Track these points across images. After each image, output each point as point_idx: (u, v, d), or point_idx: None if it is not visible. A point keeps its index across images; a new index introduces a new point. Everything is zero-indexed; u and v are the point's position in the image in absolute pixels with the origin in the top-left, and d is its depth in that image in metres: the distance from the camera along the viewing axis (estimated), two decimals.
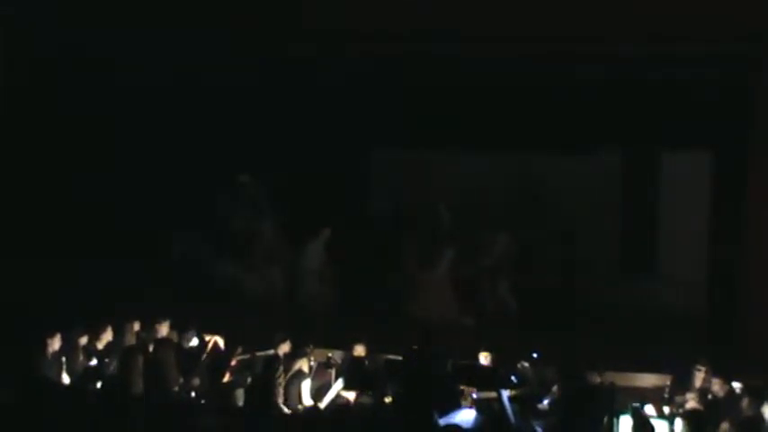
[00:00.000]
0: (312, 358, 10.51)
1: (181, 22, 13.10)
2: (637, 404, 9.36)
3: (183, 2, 13.19)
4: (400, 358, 9.74)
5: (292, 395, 9.98)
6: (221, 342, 10.89)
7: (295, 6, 12.88)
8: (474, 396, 9.87)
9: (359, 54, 13.10)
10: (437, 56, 12.91)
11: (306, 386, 10.24)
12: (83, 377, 9.83)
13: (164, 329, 11.09)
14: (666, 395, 10.32)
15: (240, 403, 10.02)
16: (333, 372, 10.48)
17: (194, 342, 11.08)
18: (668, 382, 10.57)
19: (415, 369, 9.08)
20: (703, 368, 10.32)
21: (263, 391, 9.39)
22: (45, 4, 12.96)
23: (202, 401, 9.95)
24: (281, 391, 9.52)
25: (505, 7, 12.30)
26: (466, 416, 9.06)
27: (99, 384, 9.45)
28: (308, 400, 10.14)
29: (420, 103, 13.77)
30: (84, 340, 10.45)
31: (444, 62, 12.97)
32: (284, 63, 13.58)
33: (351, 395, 10.13)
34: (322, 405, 10.02)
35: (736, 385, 9.97)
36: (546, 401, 10.08)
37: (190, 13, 13.08)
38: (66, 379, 10.02)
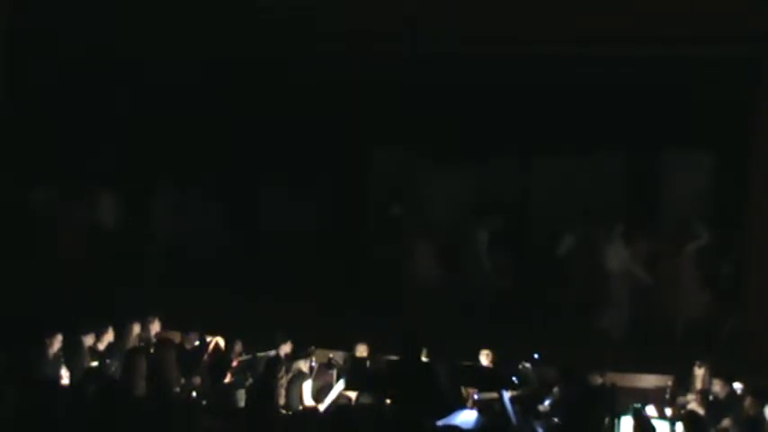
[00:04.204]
0: (314, 359, 10.51)
1: (180, 22, 13.11)
2: (638, 405, 9.36)
3: (182, 2, 13.21)
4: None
5: (293, 396, 9.98)
6: (222, 342, 10.91)
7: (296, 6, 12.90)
8: (475, 397, 9.89)
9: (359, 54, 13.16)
10: (437, 56, 12.92)
11: (307, 387, 10.24)
12: (83, 378, 9.80)
13: (155, 327, 11.12)
14: (668, 396, 10.32)
15: (241, 404, 10.02)
16: (334, 372, 10.47)
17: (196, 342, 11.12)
18: (669, 383, 10.58)
19: (406, 371, 9.06)
20: (704, 369, 10.33)
21: (264, 391, 9.37)
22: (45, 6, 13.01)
23: (204, 402, 9.94)
24: (282, 391, 9.51)
25: (506, 8, 12.31)
26: (467, 417, 9.05)
27: (100, 385, 9.42)
28: (309, 401, 10.14)
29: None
30: (89, 341, 10.45)
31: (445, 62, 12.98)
32: (286, 62, 13.63)
33: (352, 395, 10.13)
34: (323, 406, 10.02)
35: (737, 386, 9.98)
36: (547, 402, 10.09)
37: (189, 13, 13.08)
38: (66, 379, 10.01)
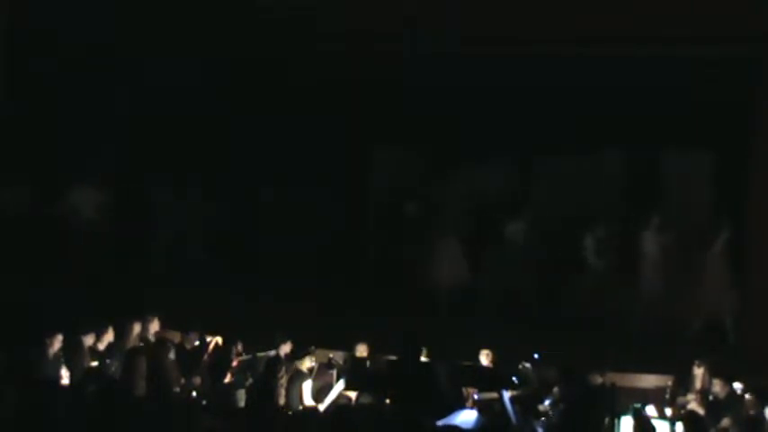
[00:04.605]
0: (314, 359, 10.51)
1: (179, 22, 13.12)
2: (638, 405, 9.36)
3: (181, 3, 13.22)
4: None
5: (293, 396, 9.97)
6: (222, 342, 10.92)
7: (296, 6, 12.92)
8: (475, 397, 9.89)
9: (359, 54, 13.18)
10: (437, 56, 12.93)
11: (307, 387, 10.23)
12: (83, 378, 9.81)
13: (155, 327, 11.14)
14: (668, 396, 10.32)
15: (241, 404, 10.02)
16: (334, 372, 10.47)
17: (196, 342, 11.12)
18: (669, 383, 10.58)
19: (406, 371, 9.07)
20: (704, 369, 10.33)
21: (264, 391, 9.37)
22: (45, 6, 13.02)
23: (204, 402, 9.94)
24: (282, 391, 9.50)
25: (506, 8, 12.31)
26: (467, 416, 9.05)
27: (100, 385, 9.43)
28: (309, 401, 10.14)
29: None
30: (89, 341, 10.45)
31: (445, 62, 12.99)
32: (286, 62, 13.65)
33: (352, 395, 10.13)
34: (323, 406, 10.01)
35: (737, 386, 9.98)
36: (547, 402, 10.09)
37: (189, 13, 13.09)
38: (66, 379, 10.01)
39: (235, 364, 10.56)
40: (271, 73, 13.97)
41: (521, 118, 13.60)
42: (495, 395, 9.24)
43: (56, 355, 10.02)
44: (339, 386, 10.16)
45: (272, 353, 10.39)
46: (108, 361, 10.32)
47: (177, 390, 10.00)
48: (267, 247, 14.36)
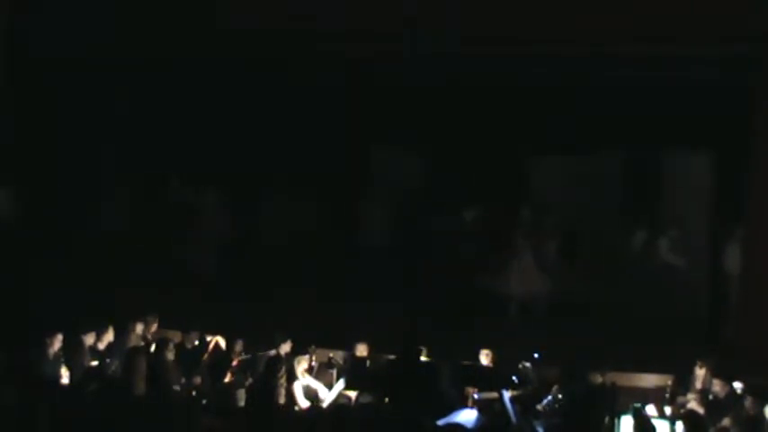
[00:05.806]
0: (314, 358, 10.52)
1: (178, 23, 13.12)
2: (638, 404, 9.37)
3: (181, 4, 13.23)
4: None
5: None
6: (222, 342, 10.92)
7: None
8: (475, 396, 9.90)
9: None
10: (437, 56, 12.91)
11: (299, 387, 10.23)
12: (84, 377, 9.81)
13: (155, 327, 11.15)
14: (668, 395, 10.33)
15: (241, 403, 10.02)
16: (334, 372, 10.48)
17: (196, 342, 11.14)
18: (669, 383, 10.59)
19: (406, 371, 9.08)
20: (704, 369, 10.34)
21: (264, 391, 9.38)
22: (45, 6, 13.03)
23: (204, 401, 9.95)
24: (282, 391, 9.51)
25: (506, 8, 12.31)
26: (467, 416, 9.07)
27: (100, 385, 9.43)
28: (302, 401, 10.14)
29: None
30: (89, 340, 10.46)
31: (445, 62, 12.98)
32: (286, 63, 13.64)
33: (352, 395, 10.13)
34: (324, 405, 10.02)
35: (737, 386, 9.98)
36: (547, 401, 10.09)
37: (189, 14, 13.09)
38: (66, 379, 10.01)
39: (235, 363, 10.57)
40: (271, 73, 13.96)
41: (521, 118, 13.61)
42: (495, 395, 9.26)
43: (56, 354, 10.04)
44: (339, 386, 10.17)
45: (272, 352, 10.39)
46: (108, 360, 10.34)
47: (177, 389, 10.00)
48: (267, 247, 14.36)
